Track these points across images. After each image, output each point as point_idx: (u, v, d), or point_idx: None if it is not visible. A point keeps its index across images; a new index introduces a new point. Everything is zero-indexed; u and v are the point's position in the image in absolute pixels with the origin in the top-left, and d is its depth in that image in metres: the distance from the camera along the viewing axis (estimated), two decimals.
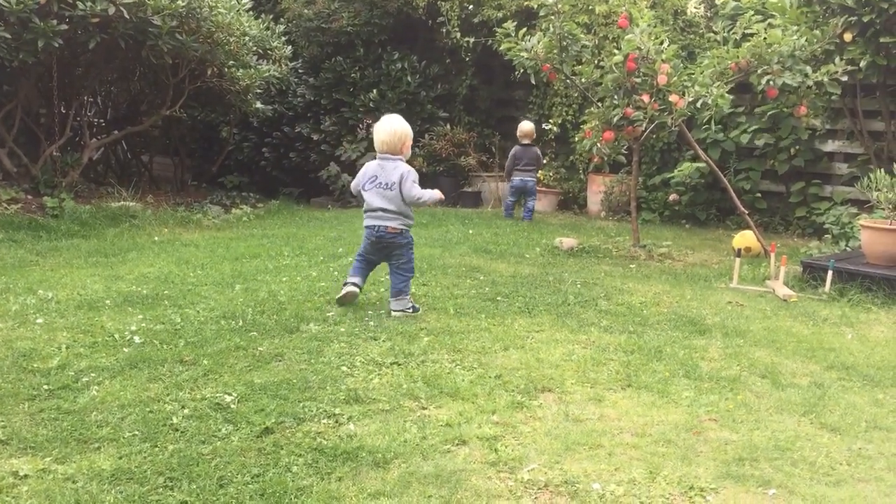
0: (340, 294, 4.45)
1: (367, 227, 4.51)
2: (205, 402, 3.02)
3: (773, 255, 5.81)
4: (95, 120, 10.31)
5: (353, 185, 4.66)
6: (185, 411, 2.93)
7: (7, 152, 7.97)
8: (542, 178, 10.04)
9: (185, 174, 10.88)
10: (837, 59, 6.22)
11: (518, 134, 8.83)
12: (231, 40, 8.46)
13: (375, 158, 4.50)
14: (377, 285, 4.99)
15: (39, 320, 3.97)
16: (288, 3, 10.86)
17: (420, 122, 10.48)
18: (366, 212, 4.50)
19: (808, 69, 6.15)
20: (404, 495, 2.41)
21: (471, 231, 7.43)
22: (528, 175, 8.68)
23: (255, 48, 9.26)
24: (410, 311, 4.40)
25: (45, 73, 8.04)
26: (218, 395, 3.08)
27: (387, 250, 4.49)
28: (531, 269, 5.80)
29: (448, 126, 10.48)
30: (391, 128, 4.43)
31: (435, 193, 4.51)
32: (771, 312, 4.86)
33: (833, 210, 7.83)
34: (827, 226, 7.53)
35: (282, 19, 10.49)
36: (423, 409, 3.07)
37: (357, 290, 4.49)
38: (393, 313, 4.36)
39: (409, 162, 4.54)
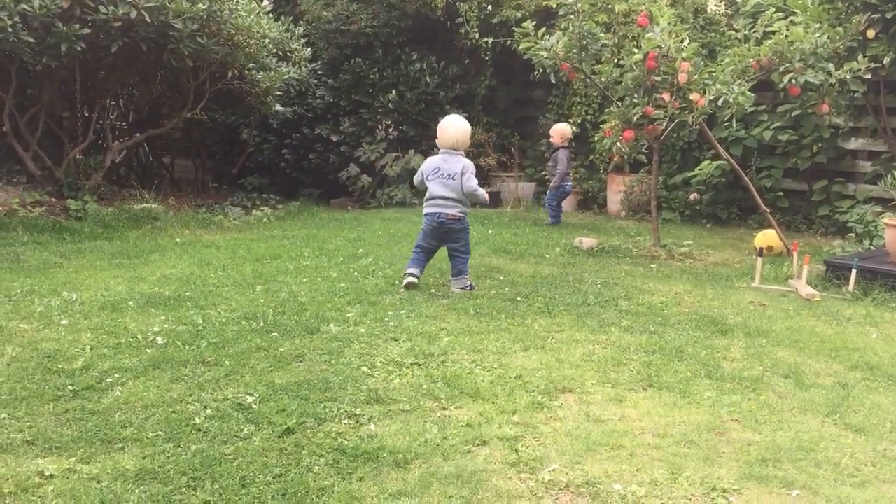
0: (404, 283, 4.97)
1: (427, 214, 5.07)
2: (227, 402, 3.04)
3: (795, 254, 5.76)
4: (118, 123, 10.40)
5: (416, 179, 5.30)
6: (208, 411, 2.95)
7: (31, 155, 8.07)
8: None
9: (206, 176, 10.96)
10: (860, 57, 6.16)
11: (564, 136, 8.32)
12: (251, 43, 8.51)
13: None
14: (397, 287, 5.00)
15: (64, 321, 4.02)
16: (307, 5, 10.90)
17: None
18: (427, 200, 5.07)
19: (831, 67, 6.09)
20: (425, 496, 2.41)
21: (490, 231, 7.43)
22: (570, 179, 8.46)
23: (274, 50, 9.31)
24: (469, 288, 4.99)
25: (69, 76, 8.13)
26: (240, 395, 3.11)
27: (446, 235, 5.04)
28: (551, 269, 5.78)
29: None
30: (463, 127, 5.10)
31: (486, 194, 5.14)
32: (794, 312, 4.81)
33: (856, 208, 7.75)
34: (850, 224, 7.45)
35: (301, 21, 10.53)
36: (444, 409, 3.08)
37: (416, 280, 5.00)
38: (454, 290, 4.96)
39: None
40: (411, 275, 5.00)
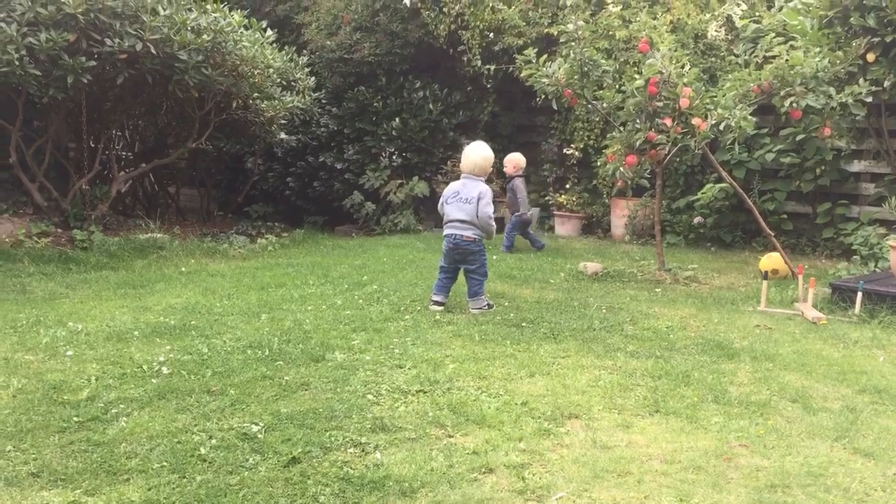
0: (431, 309, 5.14)
1: (445, 235, 5.25)
2: (232, 431, 3.03)
3: (800, 277, 5.75)
4: (123, 153, 10.49)
5: (439, 205, 5.39)
6: (213, 441, 2.94)
7: (38, 187, 8.12)
8: (565, 202, 10.04)
9: (211, 205, 11.01)
10: (861, 80, 6.19)
11: (517, 166, 8.20)
12: (255, 73, 8.59)
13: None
14: (402, 313, 5.00)
15: (69, 352, 4.02)
16: (311, 34, 11.02)
17: (443, 149, 10.55)
18: (445, 223, 5.25)
19: (832, 90, 6.12)
20: None
21: (494, 257, 7.43)
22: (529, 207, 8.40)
23: (279, 80, 9.40)
24: (486, 307, 5.15)
25: (75, 108, 8.20)
26: (245, 424, 3.10)
27: (461, 256, 5.19)
28: (556, 295, 5.78)
29: None
30: (483, 153, 5.26)
31: (494, 230, 5.27)
32: (800, 335, 4.80)
33: (861, 231, 7.74)
34: (855, 247, 7.44)
35: (305, 51, 10.64)
36: (450, 437, 3.07)
37: (441, 307, 5.16)
38: (472, 311, 5.11)
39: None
40: (436, 302, 5.19)
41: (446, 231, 5.23)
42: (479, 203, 5.11)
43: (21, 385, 3.51)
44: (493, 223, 5.22)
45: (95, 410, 3.23)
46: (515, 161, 8.22)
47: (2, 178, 8.65)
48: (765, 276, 5.76)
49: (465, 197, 5.16)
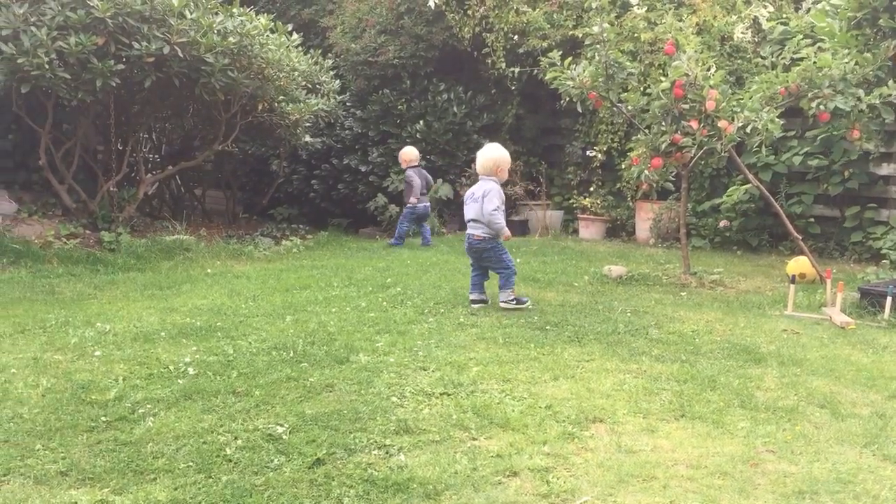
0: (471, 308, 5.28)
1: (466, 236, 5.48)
2: (257, 433, 3.05)
3: (828, 281, 5.68)
4: (150, 156, 10.61)
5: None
6: (238, 442, 2.96)
7: (66, 189, 8.23)
8: (589, 205, 10.02)
9: (236, 207, 11.09)
10: (890, 82, 6.11)
11: (406, 159, 8.78)
12: (281, 76, 8.66)
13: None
14: (426, 316, 5.01)
15: (97, 353, 4.07)
16: (335, 38, 11.07)
17: (466, 151, 10.55)
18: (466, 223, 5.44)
19: (861, 92, 6.05)
20: None
21: (518, 260, 7.40)
22: (426, 200, 8.83)
23: (304, 83, 9.46)
24: (514, 303, 5.24)
25: (103, 111, 8.31)
26: (270, 425, 3.11)
27: (476, 255, 5.39)
28: (580, 298, 5.76)
29: None
30: (488, 153, 5.41)
31: (505, 230, 5.35)
32: (828, 340, 4.74)
33: (890, 234, 7.64)
34: (884, 251, 7.35)
35: (329, 54, 10.69)
36: (474, 439, 3.06)
37: (479, 304, 5.33)
38: (501, 304, 5.25)
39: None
40: (473, 301, 5.37)
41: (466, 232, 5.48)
42: (483, 200, 5.26)
43: (50, 384, 3.56)
44: (498, 219, 5.26)
45: (123, 410, 3.26)
46: (403, 155, 8.88)
47: (31, 181, 8.77)
48: (792, 279, 5.69)
49: (475, 196, 5.35)
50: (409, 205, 8.63)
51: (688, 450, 3.01)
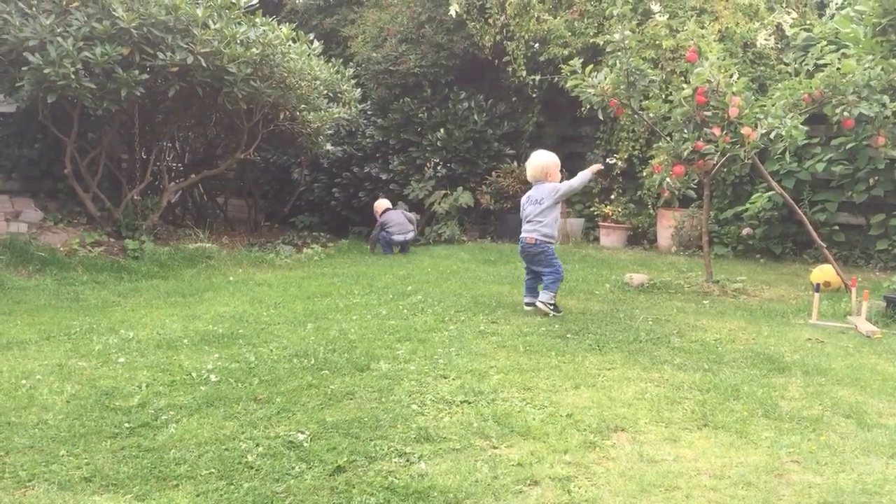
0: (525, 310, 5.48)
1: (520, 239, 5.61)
2: (278, 440, 3.06)
3: (854, 289, 5.61)
4: (174, 164, 10.71)
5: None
6: (260, 449, 2.97)
7: (91, 197, 8.33)
8: (610, 213, 9.98)
9: (258, 215, 11.17)
10: None
11: (380, 207, 9.38)
12: (303, 85, 8.71)
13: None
14: (446, 323, 5.01)
15: (121, 359, 4.11)
16: (357, 47, 11.14)
17: (487, 159, 10.56)
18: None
19: (886, 99, 5.99)
20: None
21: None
22: (409, 236, 9.26)
23: (325, 91, 9.52)
24: (552, 308, 5.32)
25: (128, 120, 8.40)
26: (291, 433, 3.12)
27: (529, 258, 5.53)
28: (601, 306, 5.73)
29: (515, 163, 10.53)
30: (535, 163, 5.57)
31: (587, 171, 5.57)
32: (853, 349, 4.68)
33: None
34: None
35: (351, 63, 10.76)
36: (494, 448, 3.05)
37: (532, 307, 5.47)
38: (538, 303, 5.37)
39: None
40: (527, 304, 5.55)
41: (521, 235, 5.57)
42: (549, 195, 5.41)
43: (74, 391, 3.59)
44: (576, 180, 5.51)
45: (146, 417, 3.29)
46: (376, 207, 9.43)
47: (57, 189, 8.88)
48: (816, 288, 5.63)
49: (536, 198, 5.49)
50: (385, 233, 9.11)
51: (711, 459, 2.98)
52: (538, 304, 5.35)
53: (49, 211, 8.53)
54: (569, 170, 10.50)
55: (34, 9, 7.05)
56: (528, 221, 5.47)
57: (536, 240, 5.42)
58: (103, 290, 6.26)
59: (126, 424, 3.20)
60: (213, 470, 2.80)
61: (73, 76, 6.87)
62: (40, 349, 4.34)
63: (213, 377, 3.81)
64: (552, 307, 5.32)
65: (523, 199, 5.64)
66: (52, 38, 6.89)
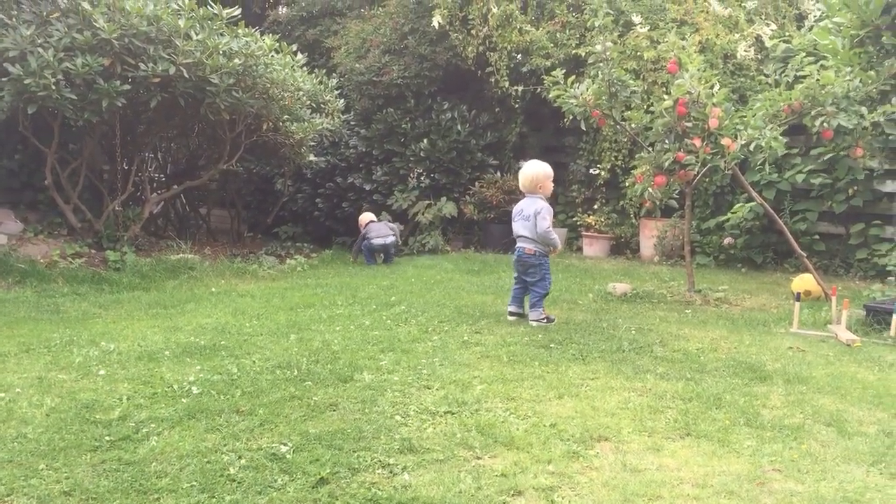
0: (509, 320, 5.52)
1: (515, 249, 5.62)
2: (261, 452, 3.04)
3: (834, 298, 5.67)
4: (156, 175, 10.66)
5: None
6: (242, 461, 2.95)
7: (72, 208, 8.26)
8: (593, 222, 10.02)
9: (241, 226, 11.14)
10: (894, 100, 6.12)
11: (364, 220, 9.50)
12: (286, 95, 8.70)
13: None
14: (430, 334, 5.01)
15: (102, 372, 4.07)
16: (340, 58, 11.14)
17: (470, 170, 10.58)
18: (514, 238, 5.60)
19: (864, 110, 6.06)
20: None
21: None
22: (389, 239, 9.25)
23: (308, 102, 9.51)
24: (545, 321, 5.39)
25: (109, 131, 8.35)
26: (274, 445, 3.11)
27: (524, 268, 5.54)
28: (584, 316, 5.75)
29: (498, 174, 10.56)
30: (527, 171, 5.57)
31: (558, 242, 5.61)
32: (834, 358, 4.72)
33: (895, 251, 7.62)
34: (890, 268, 7.33)
35: (334, 74, 10.76)
36: (478, 458, 3.05)
37: (516, 317, 5.56)
38: (531, 323, 5.40)
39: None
40: (511, 313, 5.59)
41: (516, 245, 5.60)
42: (536, 219, 5.40)
43: (54, 404, 3.56)
44: (553, 235, 5.46)
45: (127, 429, 3.26)
46: (360, 220, 9.54)
47: (37, 200, 8.81)
48: (797, 297, 5.68)
49: (526, 214, 5.50)
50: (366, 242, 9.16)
51: (693, 469, 2.99)
52: (531, 323, 5.39)
53: (29, 222, 8.46)
54: (553, 180, 10.61)
55: (14, 19, 7.00)
56: (523, 236, 5.51)
57: (535, 251, 5.46)
58: (84, 301, 6.21)
59: (106, 437, 3.17)
60: (194, 483, 2.77)
61: (53, 87, 6.82)
62: (20, 362, 4.29)
63: (194, 389, 3.78)
64: (545, 320, 5.41)
65: (515, 210, 5.65)
66: (33, 49, 6.85)
